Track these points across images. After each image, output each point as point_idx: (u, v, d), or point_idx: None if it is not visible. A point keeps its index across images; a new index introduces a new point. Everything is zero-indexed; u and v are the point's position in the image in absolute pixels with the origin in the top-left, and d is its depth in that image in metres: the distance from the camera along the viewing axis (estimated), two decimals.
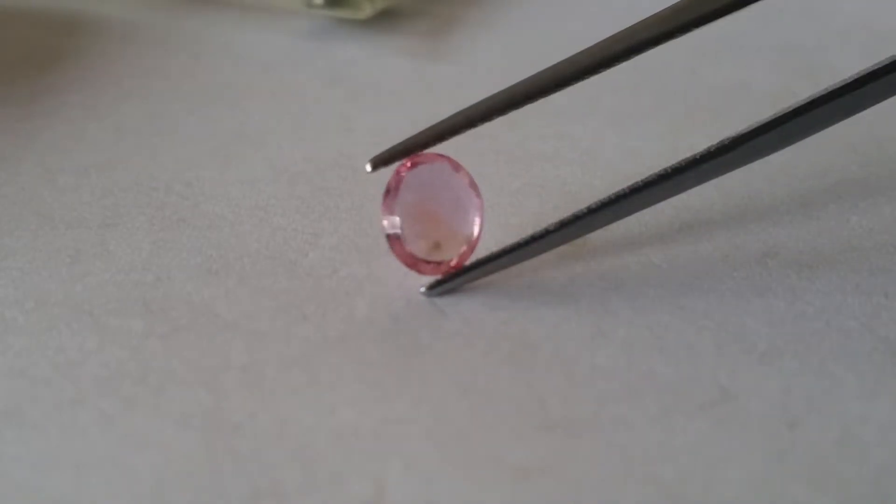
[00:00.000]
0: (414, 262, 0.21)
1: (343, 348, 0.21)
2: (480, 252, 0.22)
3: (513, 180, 0.25)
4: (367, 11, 0.32)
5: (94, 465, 0.18)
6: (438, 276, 0.22)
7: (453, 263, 0.22)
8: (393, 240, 0.21)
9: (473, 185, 0.22)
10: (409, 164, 0.21)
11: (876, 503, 0.18)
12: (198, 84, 0.30)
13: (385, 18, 0.33)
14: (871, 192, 0.25)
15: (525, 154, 0.26)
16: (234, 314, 0.21)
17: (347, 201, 0.25)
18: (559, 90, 0.20)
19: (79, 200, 0.25)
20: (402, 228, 0.21)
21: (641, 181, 0.21)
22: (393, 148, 0.21)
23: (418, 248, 0.21)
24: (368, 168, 0.21)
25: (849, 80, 0.20)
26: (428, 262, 0.21)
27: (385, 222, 0.21)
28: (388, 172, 0.21)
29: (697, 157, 0.21)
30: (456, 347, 0.21)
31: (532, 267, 0.22)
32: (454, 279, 0.22)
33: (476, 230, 0.22)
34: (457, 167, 0.22)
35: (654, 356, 0.20)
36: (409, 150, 0.21)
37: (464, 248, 0.22)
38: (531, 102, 0.20)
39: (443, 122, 0.21)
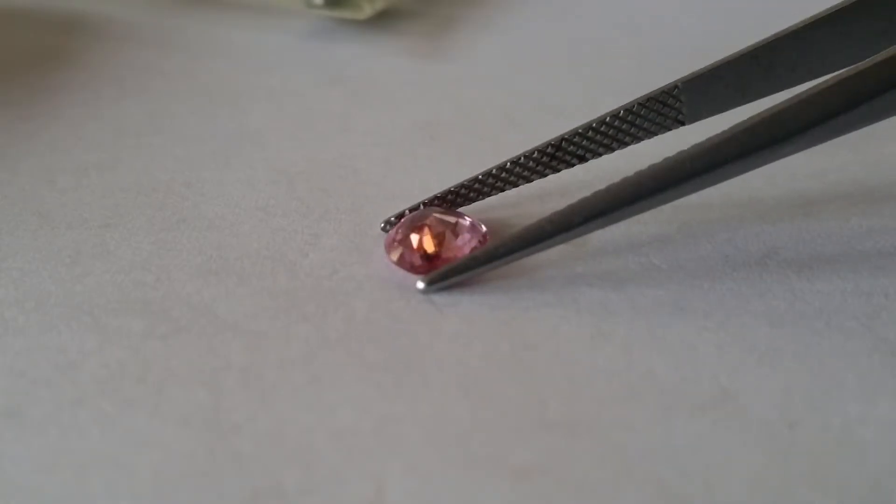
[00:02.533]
0: (415, 266, 0.22)
1: (343, 348, 0.21)
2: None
3: None
4: (367, 11, 0.32)
5: (94, 465, 0.18)
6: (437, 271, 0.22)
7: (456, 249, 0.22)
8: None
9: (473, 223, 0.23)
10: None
11: (876, 503, 0.18)
12: (198, 84, 0.30)
13: (385, 18, 0.33)
14: (871, 192, 0.25)
15: None
16: (234, 314, 0.21)
17: (347, 202, 0.25)
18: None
19: (79, 200, 0.25)
20: (402, 242, 0.22)
21: (641, 186, 0.21)
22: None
23: (417, 252, 0.22)
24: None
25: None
26: (423, 261, 0.22)
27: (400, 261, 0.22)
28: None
29: (697, 164, 0.21)
30: (456, 347, 0.21)
31: (532, 267, 0.22)
32: (452, 276, 0.22)
33: (467, 222, 0.22)
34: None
35: (654, 356, 0.20)
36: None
37: (457, 240, 0.22)
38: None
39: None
